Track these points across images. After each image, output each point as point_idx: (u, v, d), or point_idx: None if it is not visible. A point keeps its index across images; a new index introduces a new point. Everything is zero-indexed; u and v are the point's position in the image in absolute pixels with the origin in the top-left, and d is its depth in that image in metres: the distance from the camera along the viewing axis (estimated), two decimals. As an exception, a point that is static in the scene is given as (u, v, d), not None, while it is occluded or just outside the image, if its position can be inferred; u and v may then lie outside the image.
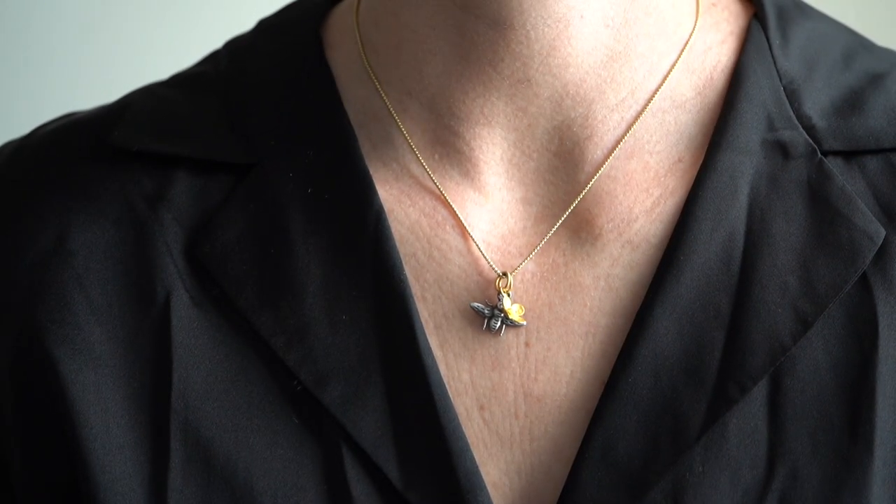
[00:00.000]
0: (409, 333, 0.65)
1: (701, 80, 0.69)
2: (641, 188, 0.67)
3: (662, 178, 0.67)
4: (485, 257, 0.67)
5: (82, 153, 0.70)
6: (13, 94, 1.22)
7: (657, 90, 0.68)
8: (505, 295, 0.66)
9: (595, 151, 0.67)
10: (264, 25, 0.74)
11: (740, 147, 0.67)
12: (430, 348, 0.65)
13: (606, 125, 0.67)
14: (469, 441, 0.65)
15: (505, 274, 0.66)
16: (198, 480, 0.64)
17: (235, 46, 0.74)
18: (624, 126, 0.68)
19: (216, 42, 0.75)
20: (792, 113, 0.68)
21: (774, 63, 0.69)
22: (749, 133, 0.67)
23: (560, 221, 0.67)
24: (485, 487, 0.63)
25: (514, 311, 0.66)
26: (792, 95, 0.68)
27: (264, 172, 0.68)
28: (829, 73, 0.69)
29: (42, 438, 0.66)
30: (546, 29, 0.65)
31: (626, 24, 0.67)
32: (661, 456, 0.63)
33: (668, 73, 0.68)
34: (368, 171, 0.67)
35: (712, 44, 0.70)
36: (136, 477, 0.64)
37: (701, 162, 0.67)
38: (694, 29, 0.69)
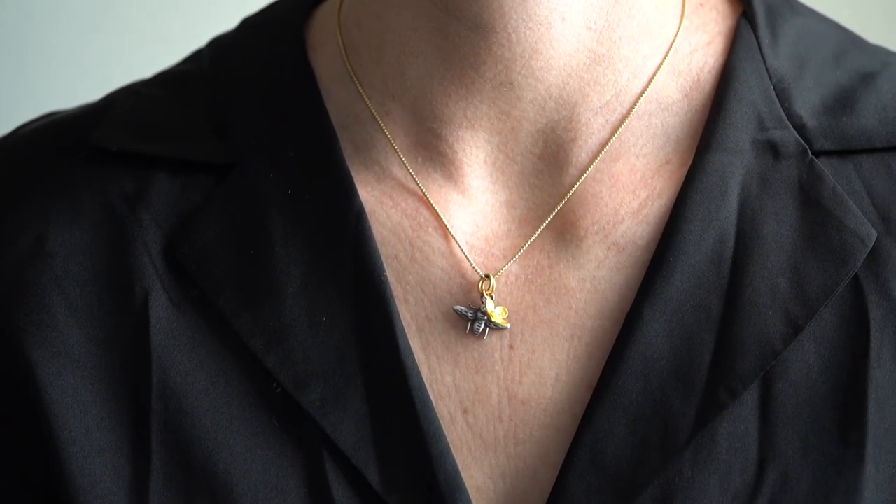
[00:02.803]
0: (390, 335, 0.64)
1: (688, 83, 0.69)
2: (628, 190, 0.67)
3: (649, 180, 0.67)
4: (468, 259, 0.66)
5: (62, 153, 0.70)
6: (14, 94, 1.22)
7: (643, 93, 0.68)
8: (488, 297, 0.65)
9: (580, 154, 0.67)
10: (247, 23, 0.74)
11: (730, 147, 0.66)
12: (410, 350, 0.64)
13: (591, 128, 0.67)
14: (452, 444, 0.64)
15: (488, 276, 0.66)
16: (178, 482, 0.63)
17: (218, 45, 0.74)
18: (609, 129, 0.67)
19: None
20: (782, 112, 0.67)
21: (764, 62, 0.68)
22: (739, 133, 0.66)
23: (545, 224, 0.67)
24: (465, 490, 0.63)
25: (497, 313, 0.65)
26: (782, 94, 0.68)
27: (245, 173, 0.68)
28: (819, 72, 0.69)
29: (18, 441, 0.65)
30: (528, 32, 0.65)
31: (608, 27, 0.66)
32: (651, 460, 0.62)
33: (654, 75, 0.68)
34: (349, 172, 0.67)
35: (698, 45, 0.69)
36: (116, 479, 0.63)
37: (689, 163, 0.67)
38: (679, 30, 0.69)
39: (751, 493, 0.62)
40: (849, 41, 0.71)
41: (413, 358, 0.64)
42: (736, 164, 0.66)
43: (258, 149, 0.68)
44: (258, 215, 0.67)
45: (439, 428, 0.63)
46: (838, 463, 0.62)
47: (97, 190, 0.68)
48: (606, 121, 0.67)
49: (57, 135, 0.71)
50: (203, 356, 0.65)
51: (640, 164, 0.67)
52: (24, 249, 0.67)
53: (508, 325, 0.65)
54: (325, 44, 0.71)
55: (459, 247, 0.66)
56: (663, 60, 0.68)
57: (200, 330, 0.65)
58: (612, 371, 0.63)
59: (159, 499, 0.63)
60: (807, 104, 0.67)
